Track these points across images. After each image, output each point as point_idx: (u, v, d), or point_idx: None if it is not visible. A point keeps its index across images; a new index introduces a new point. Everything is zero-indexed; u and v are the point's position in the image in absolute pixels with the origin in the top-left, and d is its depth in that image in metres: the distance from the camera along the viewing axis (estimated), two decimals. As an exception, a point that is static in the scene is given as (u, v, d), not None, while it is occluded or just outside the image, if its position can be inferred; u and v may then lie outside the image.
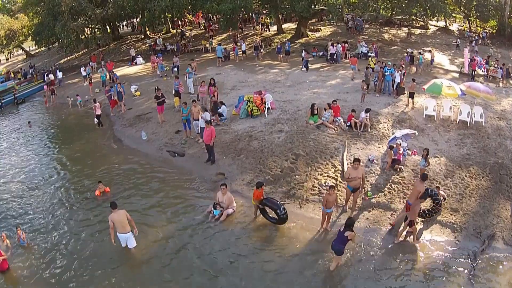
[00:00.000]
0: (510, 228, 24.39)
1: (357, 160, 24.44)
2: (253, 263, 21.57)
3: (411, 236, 23.01)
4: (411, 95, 38.56)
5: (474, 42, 70.60)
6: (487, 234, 23.73)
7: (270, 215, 24.46)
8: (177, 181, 29.96)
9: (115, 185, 29.60)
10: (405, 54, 57.61)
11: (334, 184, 25.60)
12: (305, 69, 53.24)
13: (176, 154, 33.46)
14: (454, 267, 21.28)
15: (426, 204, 24.82)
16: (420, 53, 56.32)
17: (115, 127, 41.91)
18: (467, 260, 21.78)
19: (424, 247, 22.72)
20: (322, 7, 70.88)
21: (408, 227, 22.63)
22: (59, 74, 63.15)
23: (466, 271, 21.10)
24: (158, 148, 35.31)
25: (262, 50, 62.99)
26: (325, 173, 28.67)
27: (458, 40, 71.10)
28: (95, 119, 41.38)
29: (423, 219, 24.55)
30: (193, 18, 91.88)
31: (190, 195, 28.04)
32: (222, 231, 23.97)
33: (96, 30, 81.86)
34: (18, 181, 32.24)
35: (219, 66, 58.59)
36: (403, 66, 45.12)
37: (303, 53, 55.35)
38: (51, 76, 60.61)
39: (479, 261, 21.71)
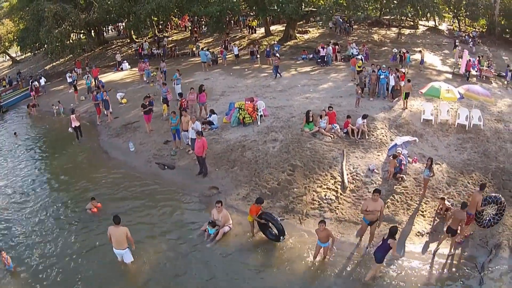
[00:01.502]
0: None
1: (377, 191, 22.23)
2: (253, 286, 20.67)
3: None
4: (406, 96, 38.13)
5: (472, 43, 70.35)
6: (493, 243, 23.39)
7: (271, 232, 23.34)
8: (168, 196, 28.70)
9: (102, 201, 28.10)
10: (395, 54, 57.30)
11: (324, 219, 23.08)
12: (278, 75, 51.67)
13: (165, 167, 32.16)
14: (462, 279, 21.03)
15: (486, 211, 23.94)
16: (407, 52, 56.00)
17: (101, 137, 40.43)
18: (475, 271, 21.40)
19: (431, 259, 22.30)
20: (311, 9, 69.87)
21: (451, 236, 22.37)
22: (42, 81, 61.74)
23: (474, 282, 20.78)
24: (146, 160, 33.95)
25: (259, 56, 61.88)
26: (324, 185, 27.63)
27: (457, 41, 70.38)
28: (70, 129, 39.56)
29: (491, 227, 23.96)
30: (180, 21, 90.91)
31: (183, 211, 26.89)
32: (219, 251, 22.82)
33: (81, 35, 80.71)
34: (1, 197, 30.75)
35: (206, 71, 57.48)
36: (398, 69, 44.30)
37: (274, 59, 53.97)
38: (36, 83, 59.30)
39: (487, 272, 21.37)
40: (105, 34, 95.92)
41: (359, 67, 47.12)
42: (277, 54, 56.17)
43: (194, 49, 71.04)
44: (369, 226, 22.57)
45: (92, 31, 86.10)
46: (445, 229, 22.76)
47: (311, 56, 62.18)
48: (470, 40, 72.17)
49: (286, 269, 21.46)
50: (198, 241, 23.64)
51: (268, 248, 23.03)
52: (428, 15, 73.22)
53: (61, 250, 23.42)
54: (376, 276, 20.64)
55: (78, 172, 33.46)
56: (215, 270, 21.47)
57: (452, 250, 22.52)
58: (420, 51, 59.04)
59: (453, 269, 21.61)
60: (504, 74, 53.78)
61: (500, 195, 24.11)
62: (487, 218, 23.57)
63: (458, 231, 22.20)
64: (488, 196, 23.67)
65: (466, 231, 23.59)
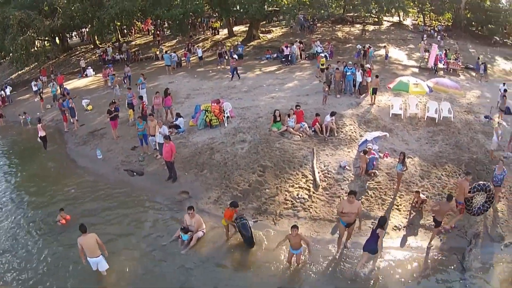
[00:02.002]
0: (495, 224, 24.55)
1: (352, 193, 21.30)
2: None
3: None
4: (374, 91, 38.19)
5: (440, 36, 71.26)
6: (472, 233, 23.74)
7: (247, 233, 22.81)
8: (139, 203, 27.97)
9: (73, 210, 27.27)
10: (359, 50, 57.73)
11: (296, 224, 21.84)
12: (236, 77, 51.10)
13: (134, 173, 31.47)
14: (444, 270, 21.18)
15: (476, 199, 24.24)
16: (369, 47, 56.74)
17: (69, 145, 39.35)
18: (456, 262, 21.63)
19: (411, 253, 22.33)
20: (274, 9, 69.68)
21: (434, 227, 22.78)
22: (8, 91, 60.34)
23: (456, 272, 21.01)
24: (115, 167, 33.11)
25: (227, 57, 60.88)
26: (296, 184, 27.30)
27: (424, 35, 71.37)
28: (38, 138, 38.63)
29: (481, 214, 24.47)
30: (142, 25, 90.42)
31: (155, 218, 26.10)
32: (194, 257, 22.29)
33: (45, 42, 79.61)
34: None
35: (170, 74, 57.12)
36: (362, 65, 44.46)
37: (230, 60, 53.80)
38: (2, 93, 58.30)
39: (468, 261, 21.53)
40: (69, 40, 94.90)
41: (322, 64, 47.43)
42: (235, 56, 55.97)
43: (157, 52, 70.68)
44: (346, 228, 21.84)
45: (57, 37, 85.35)
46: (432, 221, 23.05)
47: (275, 55, 62.26)
48: (436, 34, 72.90)
49: (263, 271, 21.07)
50: (173, 247, 23.05)
51: (244, 250, 22.59)
52: (393, 10, 73.66)
53: (35, 264, 22.58)
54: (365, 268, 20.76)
55: (47, 182, 32.47)
56: (191, 276, 21.01)
57: (432, 242, 22.65)
58: (384, 47, 59.15)
59: (434, 261, 21.76)
60: (472, 66, 55.17)
61: (489, 183, 24.35)
62: (477, 206, 23.88)
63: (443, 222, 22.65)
64: (477, 184, 23.89)
65: (452, 223, 23.99)
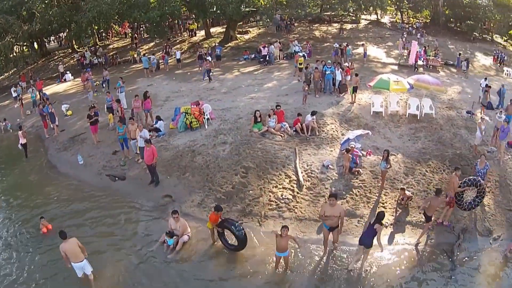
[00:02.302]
0: (482, 218, 24.77)
1: (333, 196, 20.88)
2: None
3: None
4: (354, 90, 38.19)
5: (420, 34, 71.87)
6: (459, 228, 23.94)
7: (229, 242, 22.49)
8: (122, 208, 27.48)
9: (56, 218, 26.81)
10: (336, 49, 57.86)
11: (285, 225, 21.33)
12: (207, 79, 51.06)
13: (116, 178, 31.02)
14: (433, 266, 21.36)
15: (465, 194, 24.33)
16: (347, 45, 57.00)
17: (50, 152, 38.70)
18: (445, 257, 21.89)
19: (400, 250, 22.43)
20: (252, 9, 69.52)
21: (425, 222, 22.92)
22: (-13, 97, 59.73)
23: (445, 267, 21.19)
24: (97, 172, 32.58)
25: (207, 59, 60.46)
26: (279, 184, 27.08)
27: (404, 32, 72.14)
28: (19, 145, 38.17)
29: (472, 209, 24.58)
30: (120, 28, 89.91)
31: (139, 223, 25.76)
32: (181, 262, 22.02)
33: (24, 47, 79.11)
34: None
35: (148, 77, 56.67)
36: (340, 63, 44.52)
37: (204, 62, 53.81)
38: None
39: (457, 256, 21.85)
40: (47, 45, 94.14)
41: (300, 64, 47.44)
42: (209, 58, 56.10)
43: (135, 55, 70.14)
44: (330, 233, 21.45)
45: (35, 42, 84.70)
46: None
47: (253, 56, 62.27)
48: (414, 31, 73.52)
49: (252, 274, 20.88)
50: (158, 252, 22.77)
51: (230, 253, 22.35)
52: (371, 8, 73.85)
53: (20, 273, 22.15)
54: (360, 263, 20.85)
55: (29, 189, 31.88)
56: (178, 280, 20.78)
57: (421, 238, 22.76)
58: (362, 45, 59.48)
59: (423, 257, 21.91)
60: (452, 62, 55.86)
61: (479, 178, 24.40)
62: (468, 201, 23.99)
63: (433, 217, 22.86)
64: (467, 179, 23.95)
65: (447, 217, 24.19)
